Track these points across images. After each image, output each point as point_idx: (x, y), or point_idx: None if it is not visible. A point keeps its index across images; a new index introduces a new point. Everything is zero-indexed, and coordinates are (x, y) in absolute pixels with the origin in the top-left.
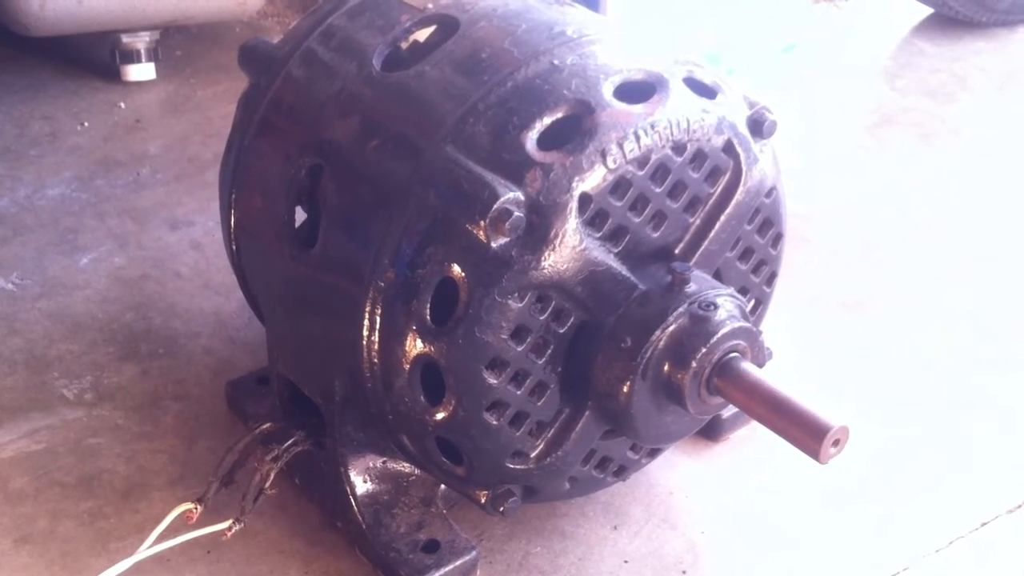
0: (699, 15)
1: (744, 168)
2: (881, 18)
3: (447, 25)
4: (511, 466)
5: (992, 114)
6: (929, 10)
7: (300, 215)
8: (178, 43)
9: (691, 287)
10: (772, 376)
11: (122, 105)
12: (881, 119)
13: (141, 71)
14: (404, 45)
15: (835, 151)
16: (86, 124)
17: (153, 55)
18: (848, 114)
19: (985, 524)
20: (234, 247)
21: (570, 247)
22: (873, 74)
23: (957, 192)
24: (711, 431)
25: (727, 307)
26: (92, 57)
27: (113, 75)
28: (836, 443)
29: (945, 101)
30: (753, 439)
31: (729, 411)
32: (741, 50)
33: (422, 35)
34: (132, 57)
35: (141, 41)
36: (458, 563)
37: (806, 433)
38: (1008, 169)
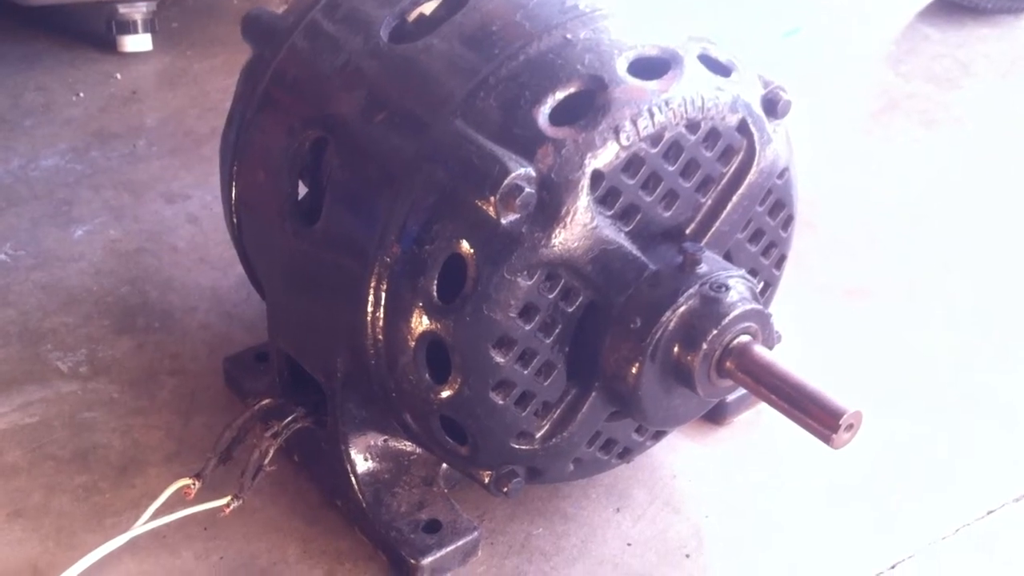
0: None
1: (758, 148)
2: (885, 3)
3: None
4: (516, 446)
5: (996, 101)
6: None
7: (302, 189)
8: (175, 15)
9: (702, 268)
10: (783, 359)
11: (118, 76)
12: (885, 104)
13: (137, 42)
14: (410, 18)
15: (839, 136)
16: (81, 95)
17: (150, 26)
18: (852, 99)
19: (991, 512)
20: (235, 221)
21: (581, 225)
22: (877, 59)
23: (960, 178)
24: (715, 414)
25: (739, 289)
26: (88, 28)
27: (109, 46)
28: (849, 428)
29: (949, 87)
30: (758, 423)
31: (734, 394)
32: (743, 33)
33: (429, 8)
34: (128, 28)
35: (138, 12)
36: (459, 543)
37: (819, 418)
38: (1011, 156)
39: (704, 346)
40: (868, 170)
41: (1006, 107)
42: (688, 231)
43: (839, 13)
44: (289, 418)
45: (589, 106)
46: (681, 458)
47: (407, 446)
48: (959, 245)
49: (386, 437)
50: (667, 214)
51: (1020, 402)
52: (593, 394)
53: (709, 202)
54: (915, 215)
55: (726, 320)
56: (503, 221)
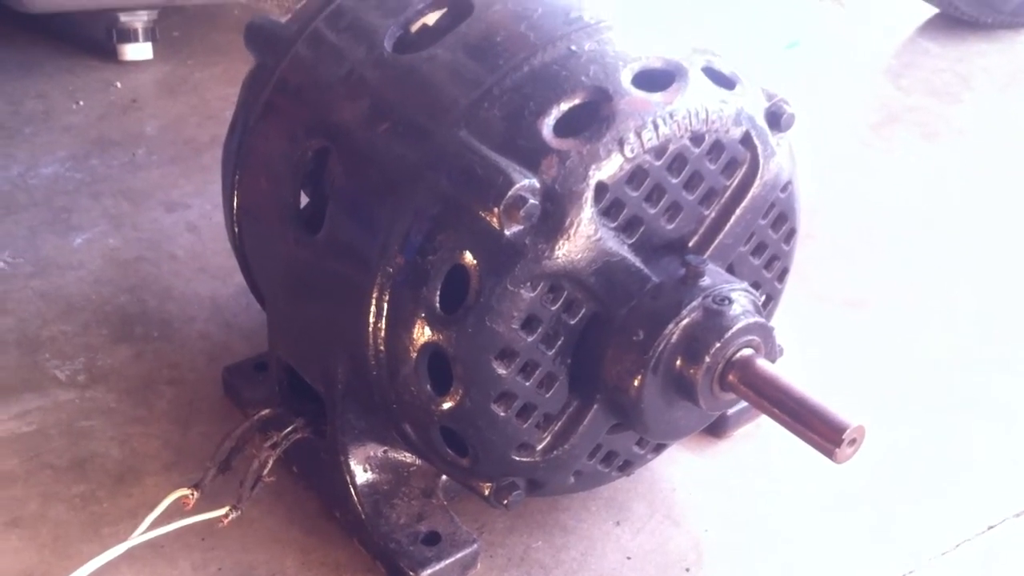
0: (701, 10)
1: (761, 161)
2: (886, 17)
3: (460, 7)
4: (517, 458)
5: (995, 114)
6: (934, 10)
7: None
8: (175, 24)
9: (705, 280)
10: (785, 373)
11: (118, 85)
12: (886, 117)
13: (138, 51)
14: (414, 28)
15: (839, 148)
16: (81, 103)
17: (150, 35)
18: (852, 112)
19: (992, 527)
20: (236, 229)
21: (584, 237)
22: (877, 73)
23: (960, 191)
24: (715, 427)
25: (741, 302)
26: (88, 36)
27: (109, 54)
28: (852, 443)
29: (949, 101)
30: (757, 436)
31: (734, 408)
32: (745, 46)
33: (432, 19)
34: (129, 36)
35: (139, 20)
36: (459, 556)
37: (822, 432)
38: (1010, 170)
39: (707, 359)
40: (868, 182)
41: (1005, 120)
42: (691, 244)
43: (840, 26)
44: (288, 428)
45: (593, 118)
46: (681, 471)
47: (407, 457)
48: (959, 256)
49: (386, 448)
50: (670, 226)
51: (1020, 415)
52: (595, 406)
53: (712, 215)
54: (915, 226)
55: (729, 333)
56: (506, 232)
